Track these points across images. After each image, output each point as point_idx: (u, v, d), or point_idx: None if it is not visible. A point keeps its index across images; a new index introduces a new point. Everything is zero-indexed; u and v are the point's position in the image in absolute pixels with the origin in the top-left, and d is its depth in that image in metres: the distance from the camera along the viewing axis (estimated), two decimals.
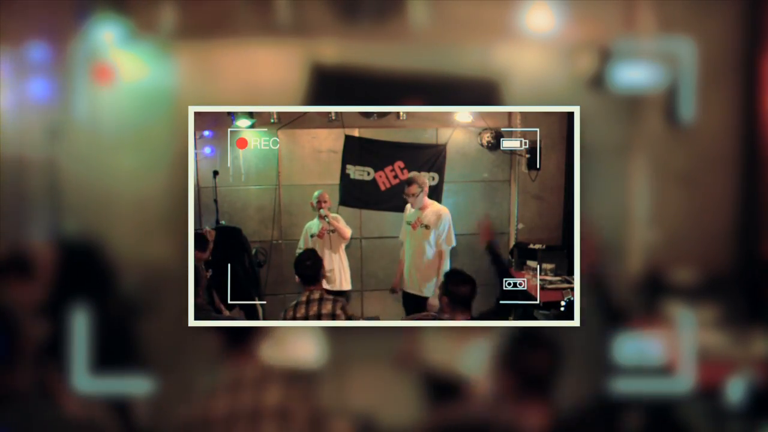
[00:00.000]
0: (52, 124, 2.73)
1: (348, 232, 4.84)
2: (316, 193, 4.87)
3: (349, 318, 3.31)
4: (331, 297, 3.35)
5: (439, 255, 4.41)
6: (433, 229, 4.41)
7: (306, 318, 3.28)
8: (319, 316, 3.28)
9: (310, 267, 3.41)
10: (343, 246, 4.88)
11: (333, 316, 3.26)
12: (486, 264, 4.98)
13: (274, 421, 2.22)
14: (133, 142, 2.77)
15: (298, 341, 2.76)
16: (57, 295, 2.65)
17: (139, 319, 2.72)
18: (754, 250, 2.80)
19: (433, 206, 4.53)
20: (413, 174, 4.69)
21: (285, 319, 3.34)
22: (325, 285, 4.70)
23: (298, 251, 5.04)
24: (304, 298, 3.34)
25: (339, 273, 4.81)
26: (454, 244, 4.48)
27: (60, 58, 2.72)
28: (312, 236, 4.86)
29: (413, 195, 4.43)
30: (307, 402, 2.25)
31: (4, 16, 2.70)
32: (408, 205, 4.60)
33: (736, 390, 2.60)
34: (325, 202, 4.83)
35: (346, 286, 4.85)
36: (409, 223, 4.52)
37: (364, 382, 2.71)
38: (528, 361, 1.93)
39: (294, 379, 2.28)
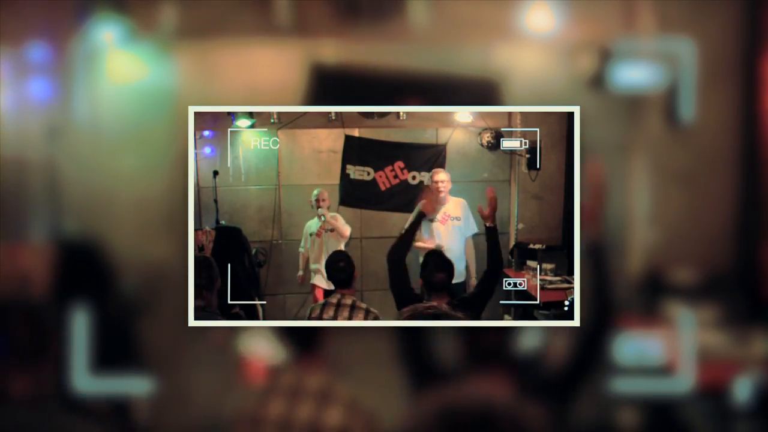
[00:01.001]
0: (52, 124, 2.73)
1: (347, 231, 4.83)
2: (315, 192, 4.87)
3: None
4: (364, 306, 3.20)
5: (468, 243, 4.63)
6: (463, 219, 4.59)
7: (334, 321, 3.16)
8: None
9: (344, 269, 3.25)
10: (342, 245, 4.88)
11: None
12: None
13: None
14: (133, 142, 2.77)
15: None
16: (57, 295, 2.65)
17: (139, 319, 2.72)
18: (754, 250, 2.80)
19: (451, 199, 4.65)
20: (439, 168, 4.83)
21: (310, 317, 3.24)
22: (321, 283, 4.72)
23: (301, 250, 5.04)
24: (334, 300, 3.20)
25: None
26: (476, 230, 4.62)
27: (60, 58, 2.72)
28: (311, 235, 4.86)
29: (444, 181, 4.54)
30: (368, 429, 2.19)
31: (4, 16, 2.70)
32: (422, 204, 4.63)
33: (742, 390, 2.60)
34: (323, 200, 4.82)
35: None
36: (432, 221, 4.56)
37: (364, 382, 2.70)
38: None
39: (357, 404, 2.21)
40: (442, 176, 4.59)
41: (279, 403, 2.20)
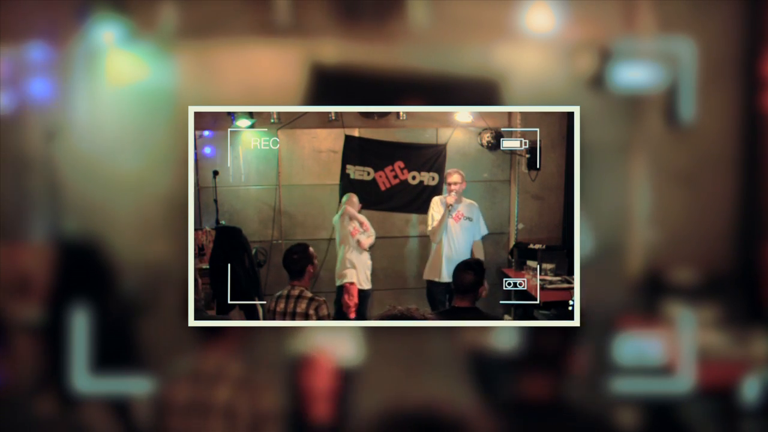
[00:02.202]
0: (52, 124, 2.73)
1: (368, 243, 4.84)
2: (344, 198, 4.86)
3: (320, 319, 3.30)
4: (308, 296, 3.36)
5: (477, 245, 4.74)
6: (475, 220, 4.71)
7: (285, 312, 3.31)
8: (293, 315, 3.29)
9: (297, 261, 3.40)
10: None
11: (306, 316, 3.27)
12: (489, 260, 4.98)
13: (220, 418, 2.37)
14: (133, 142, 2.77)
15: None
16: (57, 295, 2.65)
17: (139, 319, 2.72)
18: (754, 250, 2.80)
19: (464, 200, 4.75)
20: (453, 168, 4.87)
21: (269, 309, 3.41)
22: (353, 279, 4.72)
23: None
24: (285, 292, 3.39)
25: (362, 271, 4.79)
26: (486, 232, 4.82)
27: (60, 58, 2.72)
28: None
29: (457, 183, 4.61)
30: (253, 404, 2.38)
31: (4, 16, 2.70)
32: (439, 199, 4.73)
33: (750, 390, 2.60)
34: (353, 212, 4.81)
35: (366, 285, 4.81)
36: (450, 212, 4.66)
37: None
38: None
39: (245, 381, 2.41)
40: (455, 178, 4.65)
41: (183, 387, 2.44)
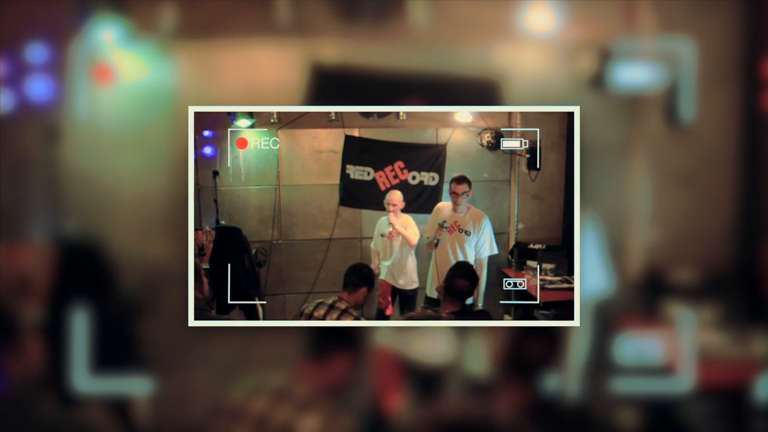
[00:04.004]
0: (52, 124, 2.73)
1: (413, 239, 4.62)
2: (387, 196, 4.72)
3: None
4: (355, 314, 3.16)
5: (479, 263, 4.29)
6: (474, 234, 4.28)
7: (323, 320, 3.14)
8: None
9: (364, 276, 3.23)
10: (411, 249, 4.76)
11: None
12: (489, 260, 4.93)
13: None
14: (133, 142, 2.77)
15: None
16: (57, 295, 2.65)
17: (139, 319, 2.72)
18: (754, 250, 2.80)
19: (472, 210, 4.39)
20: (461, 173, 4.49)
21: (302, 314, 3.21)
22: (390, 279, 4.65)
23: (372, 247, 4.89)
24: (330, 301, 3.19)
25: (410, 272, 4.72)
26: (496, 252, 4.40)
27: (60, 58, 2.72)
28: (382, 235, 4.75)
29: (463, 194, 4.26)
30: None
31: (4, 16, 2.70)
32: (441, 206, 4.48)
33: (764, 389, 2.61)
34: (394, 204, 4.62)
35: (412, 285, 4.74)
36: (442, 226, 4.30)
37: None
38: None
39: (336, 415, 2.15)
40: (464, 187, 4.25)
41: (262, 401, 2.16)
